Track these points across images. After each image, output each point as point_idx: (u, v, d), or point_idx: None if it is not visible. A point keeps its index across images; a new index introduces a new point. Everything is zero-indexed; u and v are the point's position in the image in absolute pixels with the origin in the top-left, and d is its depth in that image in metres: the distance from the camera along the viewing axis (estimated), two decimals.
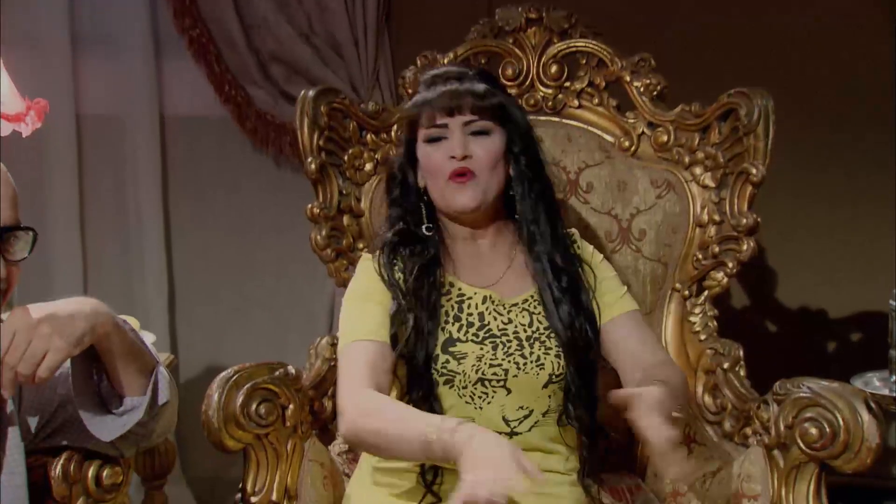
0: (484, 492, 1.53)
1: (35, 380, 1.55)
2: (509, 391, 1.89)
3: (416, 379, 1.88)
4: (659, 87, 2.39)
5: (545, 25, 2.44)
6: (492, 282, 1.97)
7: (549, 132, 2.40)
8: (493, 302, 1.94)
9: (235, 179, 3.50)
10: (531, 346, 1.91)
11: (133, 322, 2.11)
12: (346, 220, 2.35)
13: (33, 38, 3.29)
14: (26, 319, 1.55)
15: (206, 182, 3.49)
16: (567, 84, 2.44)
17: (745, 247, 2.25)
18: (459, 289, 1.95)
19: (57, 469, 1.76)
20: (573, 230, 2.06)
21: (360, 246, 2.33)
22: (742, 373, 2.19)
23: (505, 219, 2.00)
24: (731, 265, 2.26)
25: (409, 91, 2.38)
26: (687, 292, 2.32)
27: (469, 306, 1.93)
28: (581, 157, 2.39)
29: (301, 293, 3.45)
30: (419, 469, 1.86)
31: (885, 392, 2.48)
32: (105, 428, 1.70)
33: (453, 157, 1.88)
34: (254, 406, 1.93)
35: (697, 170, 2.33)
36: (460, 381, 1.88)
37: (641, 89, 2.39)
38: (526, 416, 1.91)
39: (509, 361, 1.89)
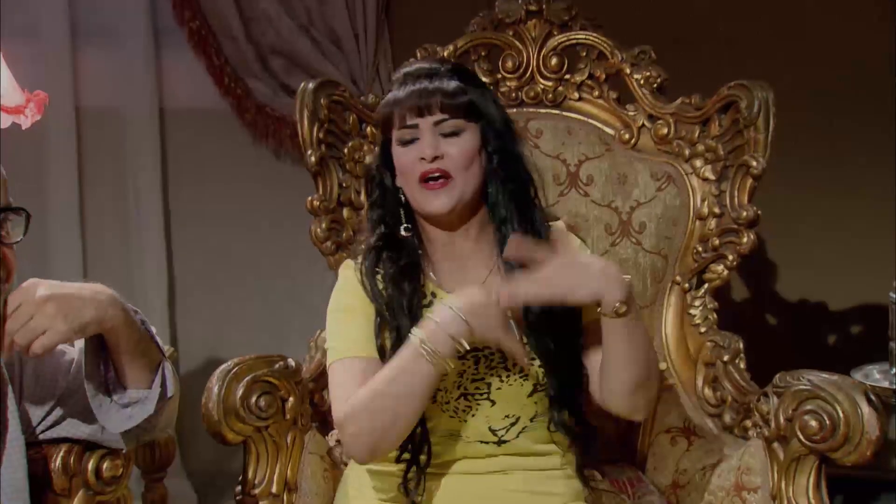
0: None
1: (29, 352, 1.57)
2: (494, 402, 1.85)
3: None
4: (659, 80, 2.39)
5: (545, 18, 2.43)
6: None
7: (549, 125, 2.40)
8: None
9: (235, 172, 3.50)
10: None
11: None
12: (346, 212, 2.35)
13: (33, 30, 3.30)
14: (35, 293, 1.56)
15: (205, 175, 3.50)
16: (567, 76, 2.44)
17: (745, 239, 2.24)
18: (441, 299, 1.85)
19: (57, 461, 1.76)
20: (558, 223, 1.99)
21: (361, 239, 2.32)
22: (742, 365, 2.19)
23: (487, 216, 1.91)
24: (731, 258, 2.26)
25: None
26: (687, 285, 2.32)
27: None
28: (581, 149, 2.39)
29: (301, 286, 3.44)
30: (402, 477, 1.83)
31: (886, 384, 2.48)
32: (112, 418, 1.70)
33: (423, 159, 1.81)
34: (254, 399, 1.93)
35: (698, 162, 2.33)
36: (442, 396, 1.83)
37: (641, 82, 2.39)
38: (513, 424, 1.86)
39: (492, 375, 1.84)
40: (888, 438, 1.91)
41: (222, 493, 3.44)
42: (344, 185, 2.34)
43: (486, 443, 1.85)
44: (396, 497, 1.85)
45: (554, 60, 2.43)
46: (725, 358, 2.21)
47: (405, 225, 1.88)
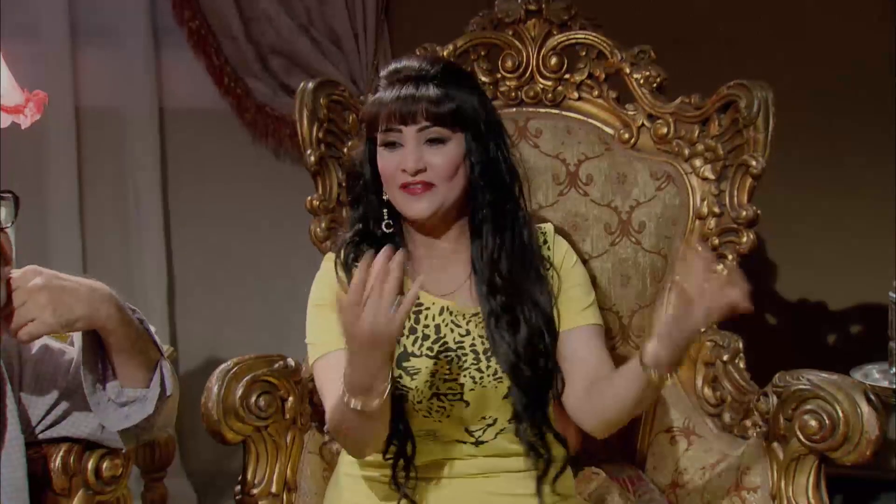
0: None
1: (15, 336, 1.58)
2: (468, 403, 1.84)
3: None
4: (658, 79, 2.39)
5: (545, 17, 2.43)
6: (451, 290, 1.89)
7: (548, 124, 2.39)
8: (450, 313, 1.87)
9: (235, 172, 3.50)
10: (488, 359, 1.83)
11: None
12: (345, 212, 2.34)
13: (33, 30, 3.29)
14: (30, 281, 1.57)
15: (205, 174, 3.49)
16: (567, 76, 2.44)
17: (744, 239, 2.24)
18: (418, 298, 1.80)
19: (57, 461, 1.76)
20: (546, 226, 1.97)
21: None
22: (742, 365, 2.19)
23: (468, 220, 1.89)
24: (730, 257, 2.25)
25: None
26: None
27: (426, 317, 1.87)
28: (581, 149, 2.38)
29: (300, 285, 3.43)
30: (391, 474, 1.83)
31: (885, 384, 2.48)
32: (110, 416, 1.70)
33: (405, 171, 1.80)
34: (253, 398, 1.93)
35: (697, 162, 2.33)
36: (414, 396, 1.82)
37: (641, 81, 2.39)
38: (490, 425, 1.86)
39: (465, 376, 1.83)
40: (888, 438, 1.91)
41: (222, 493, 3.44)
42: (343, 184, 2.34)
43: (464, 443, 1.85)
44: (389, 495, 1.85)
45: (553, 60, 2.43)
46: (725, 357, 2.20)
47: (386, 221, 1.87)
